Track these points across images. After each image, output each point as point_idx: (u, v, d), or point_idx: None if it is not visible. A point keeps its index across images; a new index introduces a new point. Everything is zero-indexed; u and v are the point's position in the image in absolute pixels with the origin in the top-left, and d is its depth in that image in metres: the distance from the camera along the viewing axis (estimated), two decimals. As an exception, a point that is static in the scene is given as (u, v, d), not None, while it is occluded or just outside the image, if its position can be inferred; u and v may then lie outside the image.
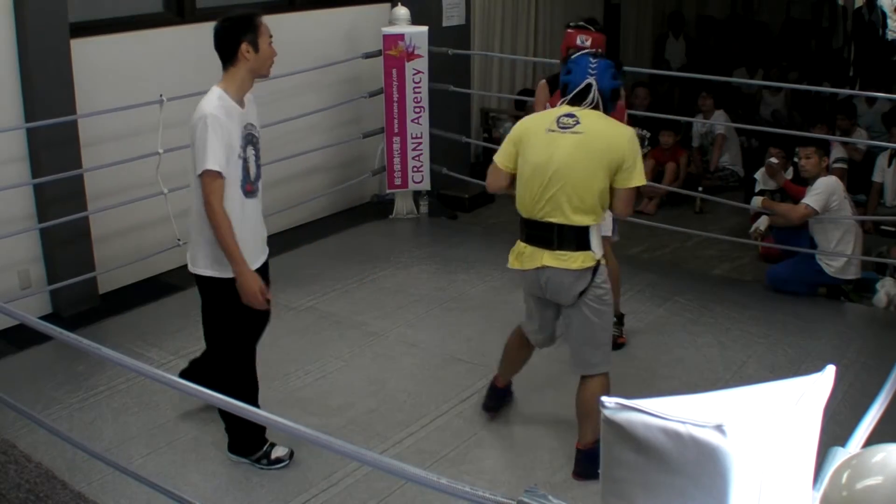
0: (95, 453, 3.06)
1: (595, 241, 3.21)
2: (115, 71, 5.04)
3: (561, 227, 3.17)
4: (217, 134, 3.09)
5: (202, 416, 3.82)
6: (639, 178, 3.17)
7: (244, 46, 3.16)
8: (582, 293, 3.23)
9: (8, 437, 3.61)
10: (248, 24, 3.18)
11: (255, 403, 3.35)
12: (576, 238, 3.18)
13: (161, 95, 4.89)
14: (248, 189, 3.28)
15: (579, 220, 3.15)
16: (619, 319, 4.46)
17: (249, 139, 3.26)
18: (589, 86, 3.20)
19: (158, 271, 5.41)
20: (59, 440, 3.29)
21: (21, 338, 4.35)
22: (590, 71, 3.21)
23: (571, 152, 3.14)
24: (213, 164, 3.08)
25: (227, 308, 3.30)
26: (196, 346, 4.54)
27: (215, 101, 3.15)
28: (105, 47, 5.01)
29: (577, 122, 3.17)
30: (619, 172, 3.15)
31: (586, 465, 3.35)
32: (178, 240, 5.08)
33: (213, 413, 3.66)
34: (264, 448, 3.50)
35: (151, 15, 5.33)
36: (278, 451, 3.52)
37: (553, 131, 3.19)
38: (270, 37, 3.25)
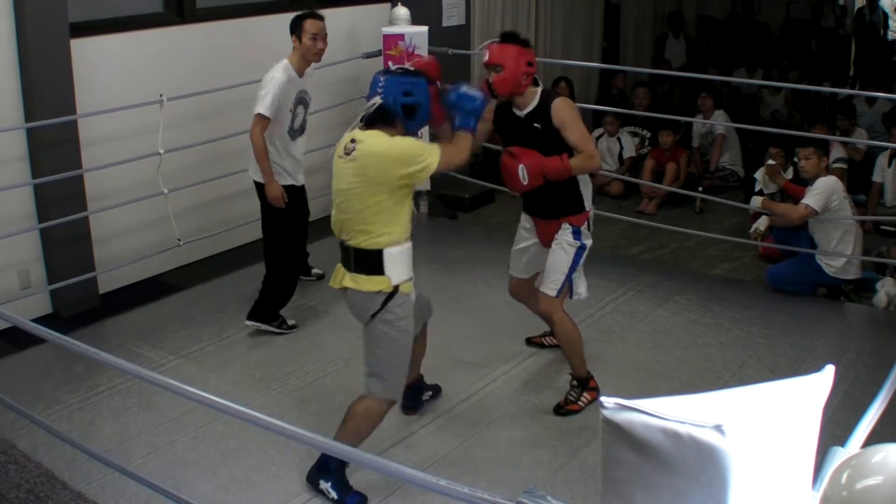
0: (95, 454, 3.06)
1: (392, 267, 3.16)
2: (115, 71, 5.04)
3: (356, 250, 3.18)
4: (273, 93, 4.37)
5: (203, 416, 3.81)
6: (430, 158, 3.09)
7: (293, 38, 4.54)
8: (374, 316, 3.21)
9: (8, 437, 3.61)
10: (295, 22, 4.55)
11: (292, 283, 4.74)
12: (367, 262, 3.16)
13: (161, 95, 4.90)
14: (291, 132, 4.58)
15: (369, 244, 3.15)
16: (581, 382, 3.97)
17: (300, 101, 4.59)
18: (374, 105, 3.15)
19: (158, 271, 5.42)
20: (59, 440, 3.28)
21: (21, 338, 4.35)
22: (377, 90, 3.17)
23: (350, 181, 3.13)
24: (262, 109, 4.37)
25: (266, 203, 4.59)
26: (196, 346, 4.56)
27: (281, 69, 4.45)
28: (105, 47, 5.01)
29: (355, 148, 3.12)
30: (411, 179, 3.11)
31: (315, 471, 3.33)
32: (179, 240, 5.08)
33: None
34: (280, 319, 4.70)
35: (151, 15, 5.33)
36: (291, 321, 4.73)
37: (341, 157, 3.18)
38: (315, 34, 4.49)
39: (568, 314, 3.91)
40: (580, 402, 3.95)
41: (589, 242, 3.85)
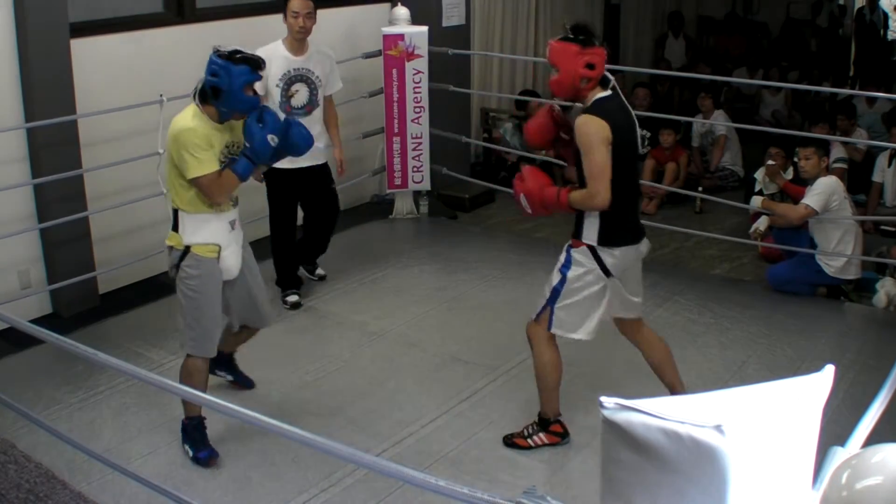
0: (95, 454, 3.07)
1: (185, 228, 3.40)
2: (115, 71, 5.04)
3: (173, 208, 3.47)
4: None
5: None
6: (191, 171, 3.28)
7: (282, 16, 4.68)
8: (176, 272, 3.45)
9: (8, 437, 3.61)
10: (283, 2, 4.66)
11: (280, 264, 4.99)
12: (173, 220, 3.44)
13: (161, 95, 4.89)
14: (287, 111, 4.59)
15: (173, 203, 3.44)
16: (542, 422, 3.65)
17: (298, 79, 4.69)
18: (200, 80, 3.36)
19: (158, 271, 5.40)
20: (59, 440, 3.28)
21: (21, 338, 4.33)
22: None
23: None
24: None
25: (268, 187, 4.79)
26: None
27: (268, 46, 4.61)
28: (105, 47, 5.01)
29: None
30: (179, 167, 3.33)
31: (182, 436, 3.61)
32: (178, 240, 5.08)
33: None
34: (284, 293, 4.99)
35: (151, 15, 5.33)
36: (292, 298, 5.00)
37: None
38: (296, 12, 4.59)
39: (553, 348, 3.52)
40: (531, 441, 3.63)
41: (572, 275, 3.39)
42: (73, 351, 2.53)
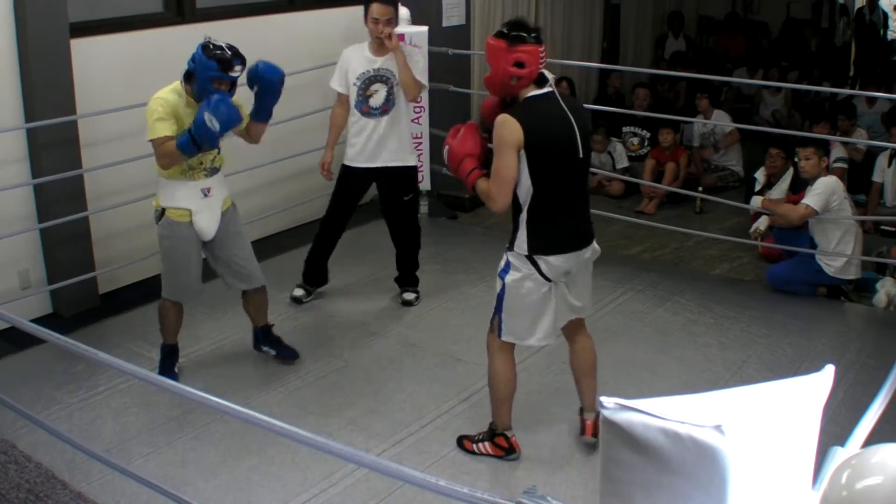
0: (95, 454, 3.06)
1: (161, 192, 3.94)
2: (115, 71, 5.04)
3: None
4: (338, 65, 4.84)
5: (203, 416, 3.81)
6: (148, 133, 3.72)
7: (363, 19, 4.72)
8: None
9: (8, 437, 3.61)
10: (365, 4, 4.67)
11: (312, 256, 5.09)
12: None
13: (161, 95, 4.89)
14: (365, 111, 4.74)
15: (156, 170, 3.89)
16: (491, 432, 3.59)
17: (377, 79, 4.72)
18: None
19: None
20: (59, 440, 3.28)
21: (21, 338, 4.34)
22: None
23: None
24: (333, 84, 4.88)
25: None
26: (195, 346, 4.56)
27: (352, 46, 4.83)
28: (105, 47, 5.01)
29: None
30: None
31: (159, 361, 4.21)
32: (178, 240, 5.08)
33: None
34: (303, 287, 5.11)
35: (151, 15, 5.33)
36: (298, 291, 5.10)
37: None
38: (376, 18, 4.60)
39: (506, 359, 3.44)
40: (476, 447, 3.59)
41: (511, 280, 3.27)
42: (73, 351, 2.53)
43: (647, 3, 10.32)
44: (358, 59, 4.75)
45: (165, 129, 3.66)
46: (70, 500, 3.24)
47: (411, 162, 4.92)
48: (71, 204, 4.78)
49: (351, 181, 4.91)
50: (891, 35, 12.60)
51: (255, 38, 5.77)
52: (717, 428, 1.29)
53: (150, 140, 3.70)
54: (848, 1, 12.47)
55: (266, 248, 5.79)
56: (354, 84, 4.74)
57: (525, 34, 3.12)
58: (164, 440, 3.71)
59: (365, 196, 5.07)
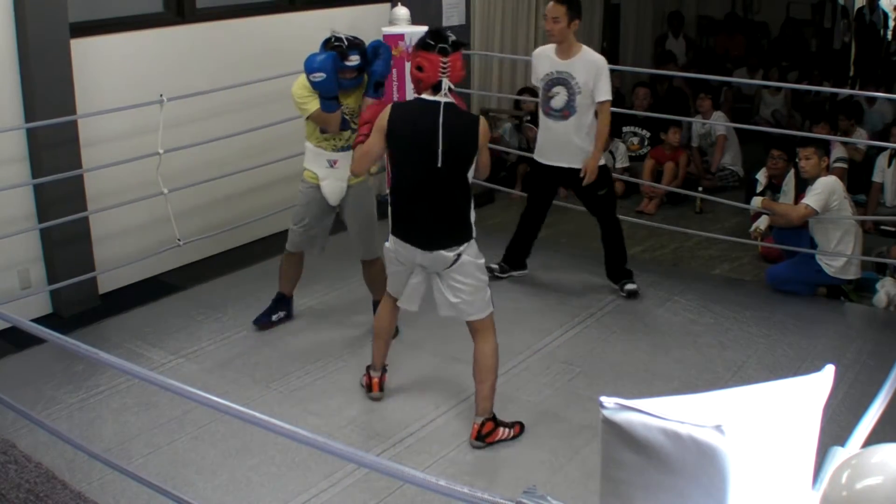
0: (95, 454, 3.06)
1: (305, 155, 4.49)
2: (115, 71, 5.04)
3: None
4: (533, 64, 5.00)
5: (203, 416, 3.81)
6: (302, 113, 4.32)
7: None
8: None
9: (8, 437, 3.61)
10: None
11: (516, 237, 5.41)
12: None
13: (161, 95, 4.89)
14: (546, 111, 4.89)
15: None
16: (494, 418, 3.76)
17: (558, 82, 4.80)
18: None
19: (158, 271, 5.42)
20: (59, 440, 3.28)
21: (21, 338, 4.35)
22: None
23: None
24: (532, 80, 5.10)
25: None
26: (196, 346, 4.56)
27: (546, 46, 4.96)
28: (105, 47, 5.01)
29: None
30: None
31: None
32: (178, 240, 5.08)
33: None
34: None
35: (151, 15, 5.33)
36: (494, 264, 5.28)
37: None
38: (546, 15, 4.79)
39: (387, 307, 3.95)
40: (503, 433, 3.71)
41: (386, 244, 3.72)
42: (73, 351, 2.53)
43: (647, 3, 10.32)
44: (543, 59, 4.86)
45: (314, 104, 4.18)
46: (70, 500, 3.24)
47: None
48: (71, 204, 4.78)
49: (537, 174, 5.16)
50: (891, 35, 12.60)
51: (255, 38, 5.79)
52: (717, 428, 1.29)
53: (307, 118, 4.28)
54: (848, 1, 12.47)
55: (258, 251, 5.80)
56: (538, 85, 4.89)
57: (432, 43, 3.37)
58: (164, 440, 3.71)
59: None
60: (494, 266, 5.20)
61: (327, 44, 4.18)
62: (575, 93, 4.76)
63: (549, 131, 4.92)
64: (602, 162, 4.93)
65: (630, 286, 5.11)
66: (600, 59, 4.81)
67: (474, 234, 3.55)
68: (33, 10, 4.50)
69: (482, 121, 3.51)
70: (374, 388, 4.00)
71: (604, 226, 5.13)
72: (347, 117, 4.29)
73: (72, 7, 4.72)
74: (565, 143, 4.86)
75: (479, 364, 3.66)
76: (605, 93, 4.78)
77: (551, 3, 4.71)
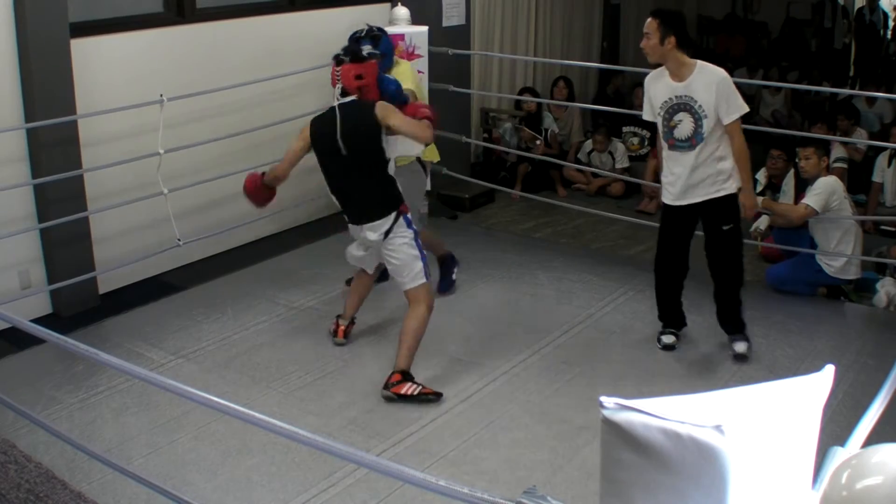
0: (95, 454, 3.07)
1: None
2: (114, 71, 5.04)
3: None
4: (645, 95, 4.36)
5: (203, 416, 3.81)
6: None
7: None
8: None
9: (8, 437, 3.60)
10: None
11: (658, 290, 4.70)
12: None
13: (161, 95, 4.89)
14: (670, 143, 4.23)
15: None
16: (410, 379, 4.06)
17: (681, 108, 4.16)
18: None
19: (158, 271, 5.41)
20: (59, 440, 3.28)
21: (21, 338, 4.34)
22: None
23: None
24: (645, 115, 4.40)
25: None
26: (196, 346, 4.56)
27: (653, 72, 4.35)
28: (105, 47, 5.01)
29: None
30: None
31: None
32: (178, 240, 5.08)
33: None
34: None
35: (151, 15, 5.33)
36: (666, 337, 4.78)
37: None
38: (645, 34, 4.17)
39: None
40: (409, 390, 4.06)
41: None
42: (73, 351, 2.53)
43: (647, 3, 10.30)
44: (659, 85, 4.23)
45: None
46: (70, 500, 3.23)
47: (729, 190, 4.25)
48: (71, 204, 4.78)
49: (670, 218, 4.44)
50: (891, 35, 12.59)
51: (255, 38, 5.79)
52: (717, 428, 1.29)
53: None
54: (848, 1, 12.48)
55: (258, 251, 5.80)
56: (658, 114, 4.22)
57: (340, 55, 4.02)
58: (164, 440, 3.71)
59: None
60: (668, 341, 4.57)
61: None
62: (701, 117, 4.11)
63: (677, 165, 4.24)
64: (733, 190, 4.27)
65: (741, 346, 4.40)
66: (719, 73, 4.14)
67: (401, 206, 4.00)
68: (33, 10, 4.50)
69: (378, 104, 3.91)
70: (339, 334, 4.52)
71: (723, 263, 4.44)
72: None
73: (72, 7, 4.72)
74: (696, 178, 4.21)
75: (405, 325, 4.06)
76: (733, 110, 4.10)
77: (648, 19, 4.16)
